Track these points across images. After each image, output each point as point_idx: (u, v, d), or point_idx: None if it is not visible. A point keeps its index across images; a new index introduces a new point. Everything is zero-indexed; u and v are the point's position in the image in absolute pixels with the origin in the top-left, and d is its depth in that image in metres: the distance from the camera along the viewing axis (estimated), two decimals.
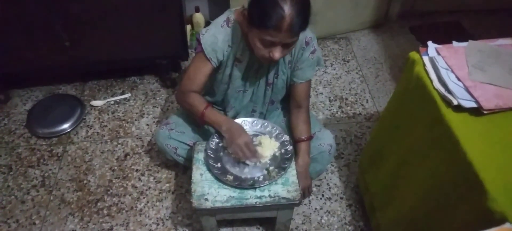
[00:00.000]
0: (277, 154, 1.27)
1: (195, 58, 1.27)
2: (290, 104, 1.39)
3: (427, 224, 1.02)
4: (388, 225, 1.25)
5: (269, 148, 1.26)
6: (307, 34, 1.24)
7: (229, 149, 1.23)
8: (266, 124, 1.35)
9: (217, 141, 1.29)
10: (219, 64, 1.27)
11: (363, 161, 1.49)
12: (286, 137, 1.30)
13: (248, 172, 1.22)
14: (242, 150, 1.19)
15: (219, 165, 1.24)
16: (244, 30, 1.18)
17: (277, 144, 1.28)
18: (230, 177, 1.20)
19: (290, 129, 1.41)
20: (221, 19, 1.23)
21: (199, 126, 1.44)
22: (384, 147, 1.29)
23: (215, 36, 1.21)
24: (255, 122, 1.36)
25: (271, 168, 1.23)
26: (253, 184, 1.18)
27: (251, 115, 1.44)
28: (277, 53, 1.08)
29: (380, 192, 1.32)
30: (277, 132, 1.32)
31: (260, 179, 1.20)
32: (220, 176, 1.19)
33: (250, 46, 1.17)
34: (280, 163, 1.24)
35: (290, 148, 1.27)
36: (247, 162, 1.22)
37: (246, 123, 1.35)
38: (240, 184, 1.18)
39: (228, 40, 1.22)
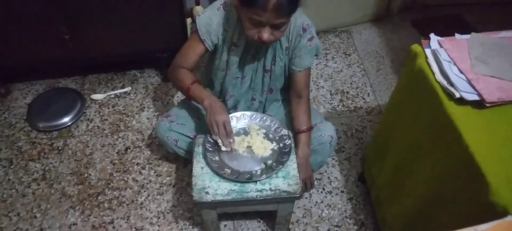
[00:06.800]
0: (275, 148, 1.27)
1: (189, 38, 1.29)
2: (290, 94, 1.39)
3: (430, 216, 1.02)
4: (393, 218, 1.25)
5: (260, 148, 1.25)
6: (304, 21, 1.23)
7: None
8: (265, 117, 1.34)
9: None
10: (214, 48, 1.27)
11: (369, 154, 1.49)
12: (285, 131, 1.30)
13: (245, 166, 1.21)
14: (218, 126, 1.19)
15: (217, 158, 1.23)
16: (239, 14, 1.17)
17: (271, 145, 1.27)
18: (228, 171, 1.19)
19: (290, 121, 1.40)
20: (218, 2, 1.24)
21: (200, 118, 1.44)
22: (388, 140, 1.29)
23: (210, 18, 1.22)
24: (254, 115, 1.35)
25: (269, 162, 1.22)
26: (250, 178, 1.18)
27: (250, 103, 1.44)
28: (265, 34, 1.08)
29: (385, 185, 1.32)
30: (276, 126, 1.32)
31: (258, 172, 1.19)
32: (218, 169, 1.19)
33: None
34: (279, 157, 1.24)
35: (288, 142, 1.27)
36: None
37: (245, 116, 1.35)
38: (237, 177, 1.18)
39: (224, 23, 1.23)
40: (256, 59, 1.31)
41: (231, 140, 1.23)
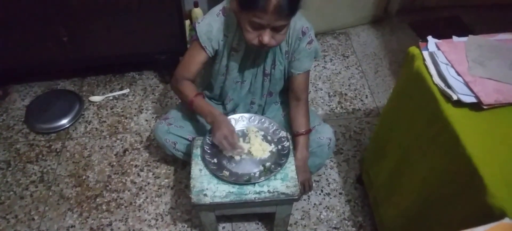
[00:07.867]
0: (274, 150, 1.27)
1: (190, 47, 1.28)
2: (289, 97, 1.39)
3: (427, 218, 1.02)
4: (390, 220, 1.25)
5: (259, 150, 1.25)
6: (304, 24, 1.23)
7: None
8: (263, 119, 1.34)
9: None
10: (215, 53, 1.27)
11: (367, 155, 1.49)
12: (283, 133, 1.30)
13: (244, 168, 1.21)
14: (222, 143, 1.18)
15: (215, 160, 1.23)
16: (239, 18, 1.17)
17: (269, 147, 1.27)
18: (226, 173, 1.19)
19: (289, 123, 1.40)
20: (217, 8, 1.23)
21: (198, 120, 1.44)
22: (386, 142, 1.29)
23: (210, 25, 1.21)
24: (253, 117, 1.35)
25: (268, 164, 1.22)
26: (249, 180, 1.18)
27: (250, 107, 1.44)
28: (266, 37, 1.08)
29: (383, 186, 1.32)
30: (274, 128, 1.32)
31: (256, 175, 1.19)
32: (216, 171, 1.19)
33: None
34: (277, 159, 1.24)
35: (287, 144, 1.27)
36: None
37: (244, 118, 1.35)
38: (236, 179, 1.18)
39: (224, 29, 1.22)
40: (256, 64, 1.31)
41: (240, 150, 1.22)
